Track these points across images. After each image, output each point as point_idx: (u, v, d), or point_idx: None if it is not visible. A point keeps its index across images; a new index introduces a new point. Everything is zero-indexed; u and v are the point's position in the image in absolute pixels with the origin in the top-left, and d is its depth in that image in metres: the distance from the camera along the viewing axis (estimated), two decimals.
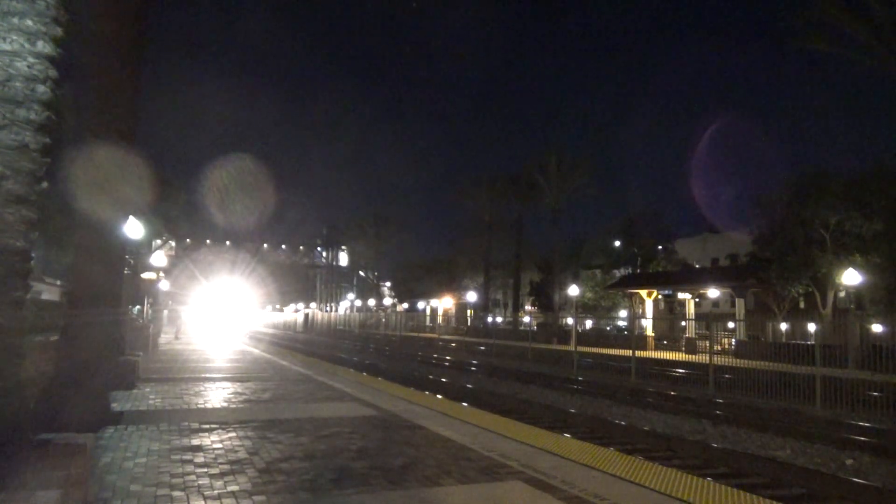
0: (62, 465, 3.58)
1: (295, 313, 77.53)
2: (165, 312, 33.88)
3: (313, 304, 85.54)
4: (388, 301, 75.95)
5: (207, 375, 13.74)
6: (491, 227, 51.08)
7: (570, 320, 40.16)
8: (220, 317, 68.85)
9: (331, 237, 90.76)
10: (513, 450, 6.41)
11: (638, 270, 44.91)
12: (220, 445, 6.29)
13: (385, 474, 5.23)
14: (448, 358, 30.72)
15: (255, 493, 4.64)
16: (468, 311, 54.81)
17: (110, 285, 7.85)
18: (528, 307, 57.46)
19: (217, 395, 10.35)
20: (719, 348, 22.43)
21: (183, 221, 36.89)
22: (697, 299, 35.60)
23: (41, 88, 3.57)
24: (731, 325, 28.27)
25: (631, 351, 21.91)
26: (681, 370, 20.67)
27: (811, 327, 21.97)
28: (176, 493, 4.59)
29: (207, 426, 7.33)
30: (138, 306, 25.02)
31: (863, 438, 10.99)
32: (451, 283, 58.25)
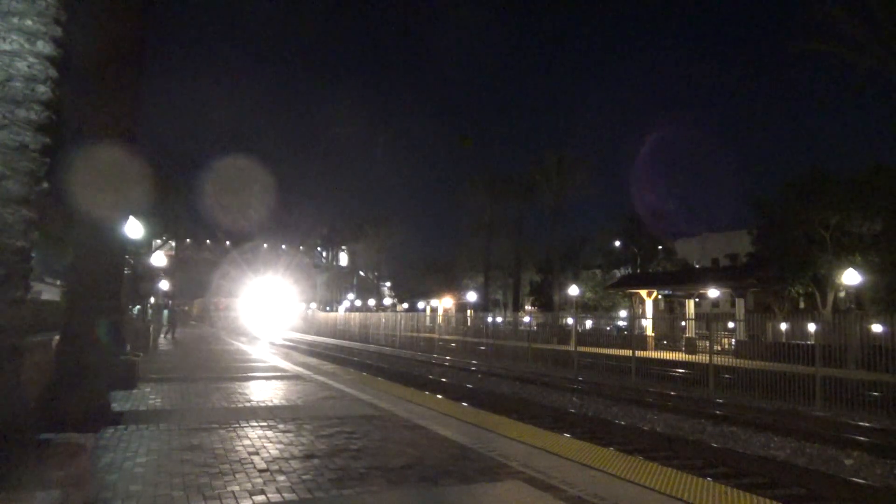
0: (62, 465, 3.58)
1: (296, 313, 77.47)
2: (165, 312, 33.80)
3: (313, 304, 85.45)
4: (388, 301, 75.93)
5: (207, 375, 13.74)
6: (491, 227, 51.04)
7: (570, 320, 40.16)
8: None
9: (331, 237, 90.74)
10: (513, 450, 6.41)
11: (638, 270, 44.90)
12: (219, 445, 6.29)
13: (385, 474, 5.23)
14: (448, 358, 30.72)
15: (255, 492, 4.64)
16: (468, 311, 54.81)
17: (110, 285, 7.85)
18: (528, 307, 57.42)
19: (216, 395, 10.35)
20: (719, 348, 22.43)
21: (183, 221, 36.88)
22: (697, 299, 35.59)
23: (41, 88, 3.57)
24: (731, 325, 28.27)
25: (631, 351, 21.92)
26: (681, 370, 20.67)
27: (811, 327, 21.95)
28: (176, 493, 4.59)
29: (207, 426, 7.33)
30: (138, 306, 25.01)
31: (863, 438, 10.99)
32: (451, 283, 58.21)
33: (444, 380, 20.62)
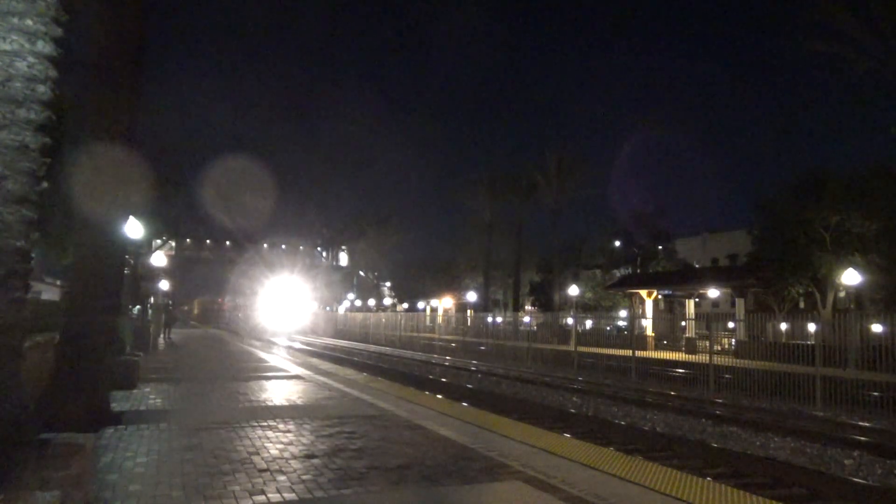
0: (62, 465, 3.57)
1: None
2: (163, 315, 33.74)
3: (314, 304, 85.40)
4: (388, 301, 75.87)
5: (207, 375, 13.74)
6: (491, 227, 51.04)
7: (570, 320, 40.14)
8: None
9: (331, 237, 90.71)
10: (513, 450, 6.41)
11: (638, 270, 44.88)
12: (219, 445, 6.29)
13: (385, 474, 5.23)
14: (448, 358, 30.73)
15: (255, 492, 4.64)
16: (468, 311, 54.79)
17: (110, 285, 7.85)
18: (528, 307, 57.40)
19: (217, 395, 10.35)
20: (719, 348, 22.41)
21: (183, 221, 36.85)
22: (697, 299, 35.57)
23: (41, 88, 3.56)
24: (731, 325, 28.24)
25: (631, 351, 21.92)
26: (681, 370, 20.67)
27: (811, 327, 21.95)
28: (176, 493, 4.59)
29: (207, 426, 7.33)
30: (138, 306, 24.98)
31: (863, 438, 10.99)
32: (451, 283, 58.18)
33: (444, 380, 20.61)
